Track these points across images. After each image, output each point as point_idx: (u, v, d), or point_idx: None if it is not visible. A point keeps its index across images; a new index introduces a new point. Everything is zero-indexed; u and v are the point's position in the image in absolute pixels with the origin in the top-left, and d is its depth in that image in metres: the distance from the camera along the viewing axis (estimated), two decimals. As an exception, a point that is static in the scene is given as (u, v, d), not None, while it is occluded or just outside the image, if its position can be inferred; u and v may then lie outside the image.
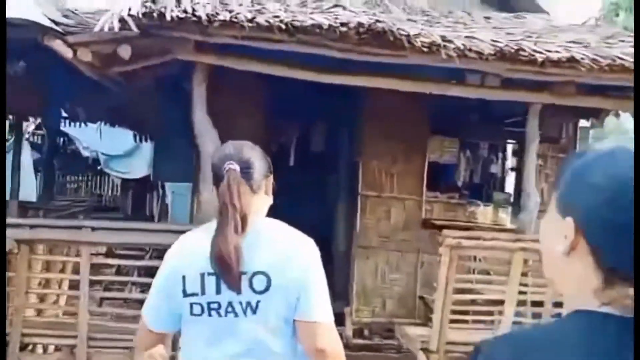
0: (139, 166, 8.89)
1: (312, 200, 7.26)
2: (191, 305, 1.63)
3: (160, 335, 1.73)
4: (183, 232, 1.82)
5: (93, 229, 3.99)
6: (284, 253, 1.64)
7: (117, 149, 9.27)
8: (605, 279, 0.80)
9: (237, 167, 1.66)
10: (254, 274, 1.60)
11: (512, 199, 6.78)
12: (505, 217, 6.35)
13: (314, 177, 7.72)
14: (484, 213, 6.26)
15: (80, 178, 10.38)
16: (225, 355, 1.62)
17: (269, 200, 1.78)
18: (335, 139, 7.19)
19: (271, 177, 1.78)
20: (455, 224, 6.31)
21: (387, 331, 6.29)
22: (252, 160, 1.71)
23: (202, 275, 1.61)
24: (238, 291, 1.59)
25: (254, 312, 1.61)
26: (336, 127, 7.08)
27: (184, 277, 1.64)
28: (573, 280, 0.84)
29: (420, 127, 6.32)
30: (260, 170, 1.72)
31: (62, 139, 10.11)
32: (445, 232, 4.75)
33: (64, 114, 6.43)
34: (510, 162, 7.41)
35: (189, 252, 1.69)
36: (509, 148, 7.40)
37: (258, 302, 1.60)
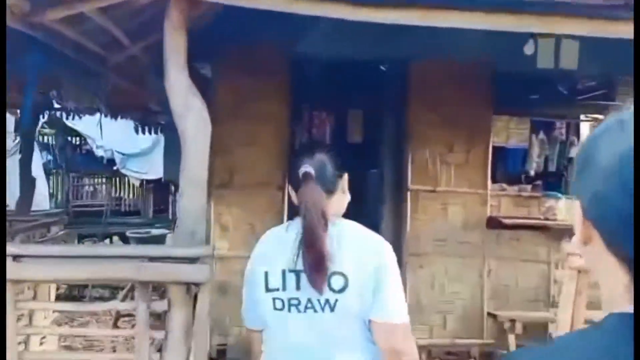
0: (158, 164, 8.00)
1: (351, 201, 6.18)
2: (274, 300, 1.72)
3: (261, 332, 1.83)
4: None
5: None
6: (361, 254, 1.70)
7: (134, 146, 8.37)
8: (631, 274, 0.69)
9: (312, 170, 1.71)
10: (333, 273, 1.67)
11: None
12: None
13: (352, 174, 6.64)
14: (564, 208, 5.04)
15: (96, 180, 9.61)
16: (305, 348, 1.70)
17: (346, 199, 1.83)
18: (377, 127, 6.07)
19: (345, 175, 1.82)
20: (529, 222, 5.14)
21: (449, 354, 5.18)
22: (325, 161, 1.76)
23: (283, 272, 1.70)
24: (321, 291, 1.66)
25: (332, 309, 1.67)
26: (377, 111, 5.97)
27: (266, 273, 1.73)
28: (603, 276, 0.74)
29: (481, 105, 5.17)
30: (333, 170, 1.77)
31: (74, 138, 9.32)
32: (566, 246, 3.48)
33: (56, 105, 5.59)
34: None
35: (272, 250, 1.78)
36: (589, 127, 6.13)
37: (336, 300, 1.66)
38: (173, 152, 5.56)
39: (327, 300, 1.66)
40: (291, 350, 1.71)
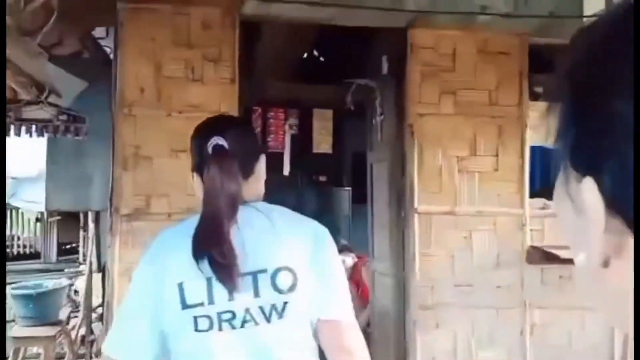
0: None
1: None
2: (195, 319, 1.29)
3: None
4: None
5: None
6: (300, 241, 1.37)
7: (28, 167, 6.34)
8: None
9: (224, 143, 1.32)
10: (277, 270, 1.32)
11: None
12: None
13: (315, 190, 5.01)
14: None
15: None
16: None
17: (262, 182, 1.46)
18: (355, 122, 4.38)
19: (263, 156, 1.46)
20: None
21: None
22: (243, 132, 1.44)
23: (209, 280, 1.29)
24: (234, 286, 1.28)
25: (281, 316, 1.33)
26: (363, 92, 4.31)
27: (181, 285, 1.29)
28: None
29: (513, 89, 3.60)
30: (253, 144, 1.47)
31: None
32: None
33: None
34: None
35: (184, 252, 1.28)
36: None
37: (285, 303, 1.33)
38: (60, 167, 3.73)
39: (273, 306, 1.31)
40: None
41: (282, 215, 1.40)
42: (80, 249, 6.38)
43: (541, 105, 3.60)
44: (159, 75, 3.21)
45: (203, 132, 1.37)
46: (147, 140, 3.20)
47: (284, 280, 1.32)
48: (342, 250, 4.51)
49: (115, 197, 3.18)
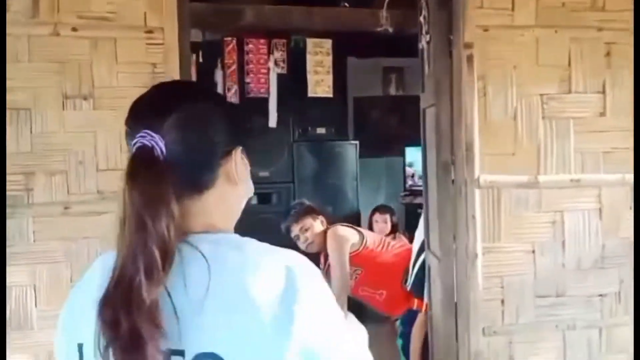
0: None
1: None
2: None
3: None
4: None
5: None
6: (263, 307, 0.75)
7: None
8: None
9: (157, 143, 0.79)
10: (200, 356, 0.76)
11: None
12: None
13: (312, 145, 3.83)
14: None
15: None
16: None
17: (240, 192, 0.88)
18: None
19: (239, 150, 0.86)
20: None
21: None
22: (192, 117, 0.82)
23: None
24: None
25: None
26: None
27: (80, 347, 0.83)
28: None
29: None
30: (212, 140, 0.84)
31: None
32: None
33: None
34: None
35: (88, 303, 0.79)
36: None
37: None
38: None
39: None
40: None
41: (238, 257, 0.78)
42: None
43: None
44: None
45: (130, 118, 0.82)
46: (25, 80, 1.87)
47: None
48: (307, 212, 3.22)
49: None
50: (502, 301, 2.27)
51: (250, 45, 4.30)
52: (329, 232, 3.17)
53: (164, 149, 0.78)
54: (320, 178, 4.47)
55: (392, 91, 5.58)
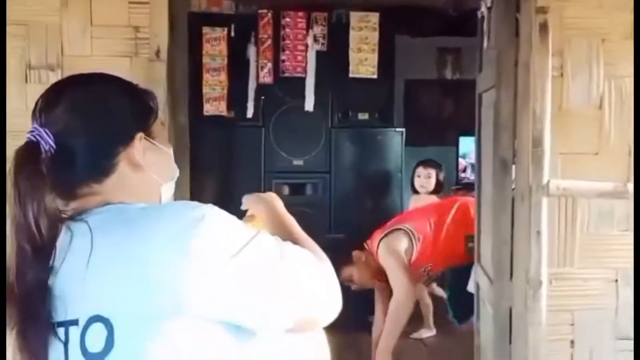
0: None
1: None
2: None
3: None
4: None
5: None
6: (145, 263, 0.78)
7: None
8: None
9: (43, 136, 0.83)
10: (89, 320, 0.80)
11: None
12: None
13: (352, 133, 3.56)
14: None
15: None
16: None
17: (145, 182, 0.89)
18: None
19: (140, 135, 0.88)
20: None
21: None
22: (82, 112, 0.86)
23: None
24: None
25: None
26: None
27: None
28: None
29: None
30: (105, 127, 0.87)
31: None
32: None
33: None
34: None
35: None
36: None
37: None
38: None
39: None
40: None
41: (128, 213, 0.82)
42: None
43: None
44: None
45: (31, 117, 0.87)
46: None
47: (94, 337, 0.80)
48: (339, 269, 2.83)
49: None
50: (572, 342, 1.79)
51: (288, 19, 3.88)
52: (380, 252, 2.77)
53: (50, 142, 0.82)
54: (360, 169, 4.04)
55: (448, 75, 5.13)
